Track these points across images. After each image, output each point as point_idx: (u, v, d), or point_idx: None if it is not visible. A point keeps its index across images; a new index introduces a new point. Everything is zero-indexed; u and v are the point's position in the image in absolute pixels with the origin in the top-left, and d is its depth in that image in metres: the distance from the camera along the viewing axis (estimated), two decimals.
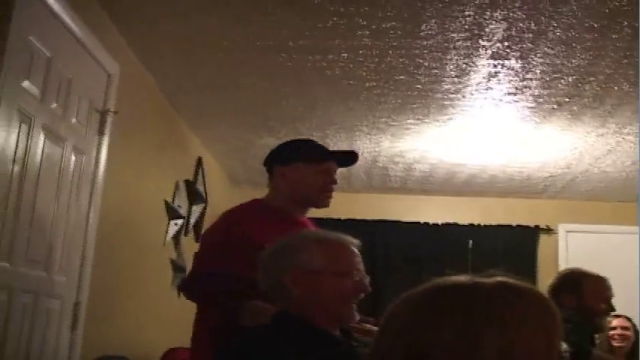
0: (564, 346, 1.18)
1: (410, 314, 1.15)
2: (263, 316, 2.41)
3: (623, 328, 5.31)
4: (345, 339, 2.16)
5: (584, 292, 3.86)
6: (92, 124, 3.94)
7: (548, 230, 8.27)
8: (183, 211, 5.83)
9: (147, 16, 4.01)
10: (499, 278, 1.17)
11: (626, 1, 3.56)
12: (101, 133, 4.04)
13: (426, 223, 8.26)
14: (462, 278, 1.18)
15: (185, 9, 3.87)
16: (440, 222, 8.26)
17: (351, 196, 7.89)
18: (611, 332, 5.29)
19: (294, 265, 2.15)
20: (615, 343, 5.25)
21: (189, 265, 5.63)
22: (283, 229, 2.65)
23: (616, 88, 4.73)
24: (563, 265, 7.31)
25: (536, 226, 8.27)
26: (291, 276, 2.13)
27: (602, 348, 5.20)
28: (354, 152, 3.22)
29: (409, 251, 8.03)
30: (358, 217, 7.75)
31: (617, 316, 5.29)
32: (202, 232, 5.27)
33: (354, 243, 2.29)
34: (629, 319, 5.39)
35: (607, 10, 3.66)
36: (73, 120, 3.69)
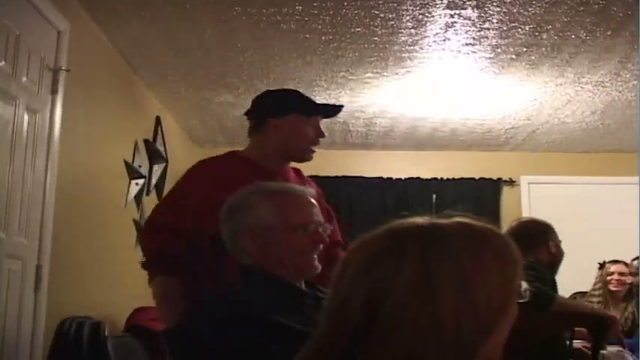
0: (525, 285, 1.18)
1: (368, 257, 1.15)
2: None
3: (620, 273, 5.50)
4: (311, 291, 2.13)
5: (551, 242, 3.91)
6: (44, 83, 3.88)
7: (511, 182, 8.35)
8: (143, 171, 5.79)
9: None
10: (457, 219, 1.18)
11: None
12: (54, 91, 3.97)
13: (389, 179, 8.29)
14: (420, 220, 1.18)
15: None
16: (403, 177, 8.29)
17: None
18: (609, 277, 5.50)
19: (246, 223, 2.12)
20: (612, 287, 5.46)
21: None
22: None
23: (573, 36, 4.73)
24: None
25: (499, 179, 8.34)
26: (245, 235, 2.10)
27: (601, 291, 5.46)
28: (342, 106, 3.17)
29: (373, 207, 8.05)
30: (320, 173, 7.69)
31: (616, 262, 5.54)
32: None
33: (307, 193, 2.24)
34: (627, 264, 5.59)
35: None
36: (24, 78, 3.63)
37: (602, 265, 5.58)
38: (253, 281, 2.07)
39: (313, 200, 2.23)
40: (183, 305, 2.72)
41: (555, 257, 3.94)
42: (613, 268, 5.52)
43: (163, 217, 2.86)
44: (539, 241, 3.88)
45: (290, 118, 2.91)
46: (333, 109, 3.10)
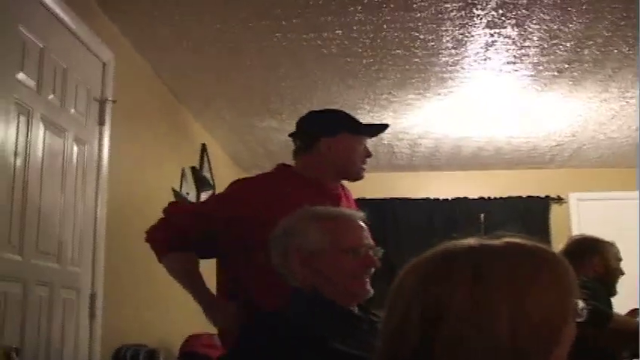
0: (581, 304, 1.18)
1: (421, 280, 1.15)
2: (231, 321, 2.63)
3: None
4: (365, 315, 2.13)
5: (605, 257, 3.88)
6: (92, 114, 3.95)
7: (559, 200, 8.27)
8: (192, 198, 5.85)
9: (137, 2, 4.01)
10: (507, 239, 1.18)
11: None
12: (101, 122, 4.05)
13: (437, 199, 8.27)
14: (471, 241, 1.18)
15: None
16: (450, 197, 8.27)
17: None
18: None
19: (296, 247, 2.14)
20: None
21: None
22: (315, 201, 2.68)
23: (615, 51, 4.70)
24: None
25: (547, 196, 8.27)
26: (295, 258, 2.12)
27: None
28: (387, 125, 3.21)
29: (421, 228, 8.02)
30: (367, 196, 7.67)
31: None
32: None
33: (357, 216, 2.25)
34: None
35: None
36: (72, 110, 3.70)
37: None
38: (308, 305, 2.07)
39: (363, 224, 2.24)
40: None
41: (604, 274, 3.90)
42: None
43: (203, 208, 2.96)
44: (583, 258, 3.85)
45: (341, 137, 2.94)
46: (378, 129, 3.14)
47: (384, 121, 6.05)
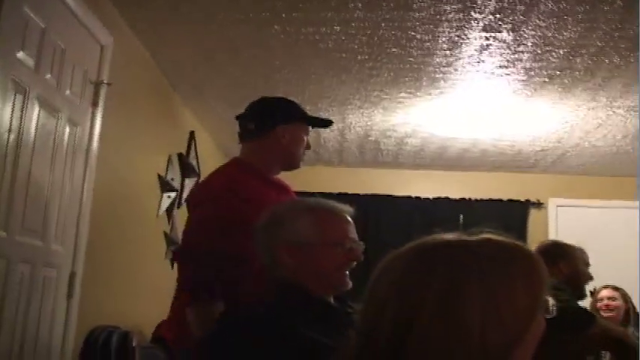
0: (552, 301, 1.21)
1: (398, 272, 1.18)
2: (208, 323, 2.42)
3: (609, 298, 5.29)
4: (340, 306, 2.17)
5: (573, 262, 3.94)
6: (86, 96, 3.94)
7: (539, 204, 8.31)
8: (176, 185, 5.85)
9: None
10: (485, 235, 1.21)
11: None
12: (95, 104, 4.03)
13: (418, 198, 8.30)
14: (449, 236, 1.21)
15: None
16: (431, 196, 8.30)
17: (343, 171, 7.93)
18: (598, 304, 5.29)
19: (285, 237, 2.16)
20: (603, 314, 5.15)
21: (181, 238, 5.69)
22: (274, 195, 2.71)
23: (607, 61, 4.74)
24: None
25: (527, 201, 8.32)
26: (283, 249, 2.14)
27: None
28: (332, 121, 3.32)
29: (401, 226, 8.03)
30: (350, 191, 7.71)
31: (605, 287, 5.35)
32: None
33: (345, 211, 2.28)
34: (616, 289, 5.38)
35: None
36: (67, 91, 3.69)
37: (592, 292, 5.28)
38: (285, 297, 2.10)
39: (349, 218, 2.27)
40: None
41: (571, 278, 3.94)
42: (602, 293, 5.32)
43: (215, 244, 2.69)
44: (554, 263, 3.90)
45: (295, 126, 3.01)
46: (324, 123, 3.24)
47: (373, 118, 6.12)
